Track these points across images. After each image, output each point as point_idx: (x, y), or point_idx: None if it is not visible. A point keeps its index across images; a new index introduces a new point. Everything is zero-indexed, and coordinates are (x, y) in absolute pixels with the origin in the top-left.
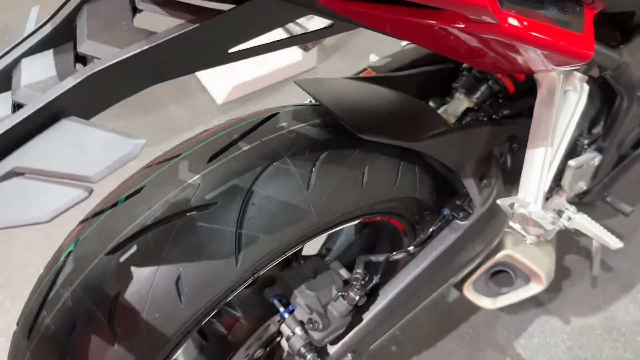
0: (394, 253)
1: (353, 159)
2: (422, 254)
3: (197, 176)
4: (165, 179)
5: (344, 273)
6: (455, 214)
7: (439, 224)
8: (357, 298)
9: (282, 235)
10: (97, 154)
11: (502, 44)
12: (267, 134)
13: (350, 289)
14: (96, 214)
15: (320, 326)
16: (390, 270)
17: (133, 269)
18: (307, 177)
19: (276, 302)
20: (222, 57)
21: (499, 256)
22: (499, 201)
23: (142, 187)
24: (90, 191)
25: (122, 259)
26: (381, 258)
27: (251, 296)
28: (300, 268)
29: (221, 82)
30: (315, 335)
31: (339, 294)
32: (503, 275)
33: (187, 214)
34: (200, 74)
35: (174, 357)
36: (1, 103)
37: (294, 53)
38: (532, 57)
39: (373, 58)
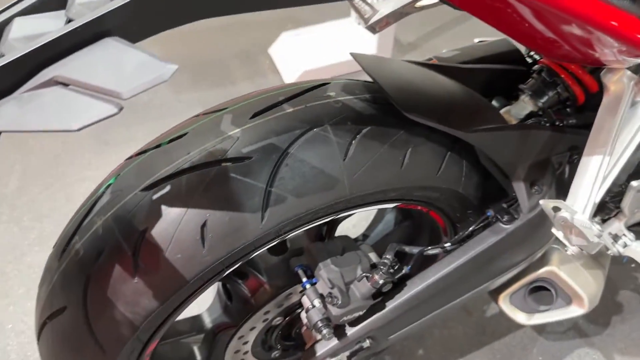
0: (429, 247)
1: (396, 139)
2: (458, 252)
3: (238, 130)
4: (207, 129)
5: (373, 257)
6: (499, 217)
7: (481, 224)
8: (381, 282)
9: (311, 200)
10: (131, 73)
11: (565, 21)
12: (312, 100)
13: (376, 272)
14: (139, 153)
15: (339, 302)
16: (423, 264)
17: (163, 207)
18: (346, 147)
19: (300, 271)
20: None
21: (542, 271)
22: (542, 201)
23: (185, 133)
24: (120, 108)
25: (154, 197)
26: (415, 250)
27: (278, 264)
28: (329, 243)
29: (293, 65)
30: (333, 311)
31: (364, 274)
32: (544, 293)
33: (222, 164)
34: (275, 56)
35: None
36: (57, 18)
37: (369, 46)
38: (598, 43)
39: None
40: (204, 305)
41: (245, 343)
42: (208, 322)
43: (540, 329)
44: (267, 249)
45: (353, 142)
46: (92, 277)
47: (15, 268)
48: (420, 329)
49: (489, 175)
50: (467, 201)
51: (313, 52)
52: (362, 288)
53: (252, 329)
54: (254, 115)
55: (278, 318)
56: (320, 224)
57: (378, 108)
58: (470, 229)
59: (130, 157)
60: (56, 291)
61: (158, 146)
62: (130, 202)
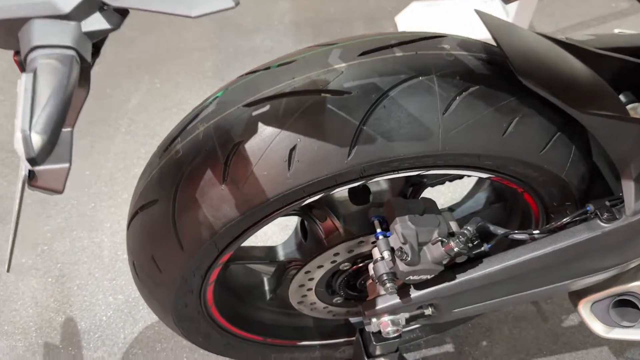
0: (516, 231)
1: (504, 105)
2: (545, 240)
3: (344, 64)
4: (316, 59)
5: (453, 226)
6: (599, 213)
7: (577, 217)
8: (455, 250)
9: (400, 147)
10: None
11: None
12: (425, 49)
13: (453, 239)
14: (250, 72)
15: (409, 259)
16: (505, 249)
17: (260, 125)
18: (449, 101)
19: (376, 222)
20: None
21: (633, 285)
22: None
23: (294, 60)
24: (237, 3)
25: (253, 113)
26: (500, 231)
27: (357, 213)
28: (412, 201)
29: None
30: (401, 267)
31: (439, 238)
32: (630, 310)
33: (322, 94)
34: (400, 24)
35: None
36: None
37: None
38: None
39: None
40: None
41: (311, 280)
42: (281, 254)
43: (618, 352)
44: (350, 197)
45: (457, 97)
46: (185, 176)
47: (123, 175)
48: (486, 311)
49: (597, 169)
50: (567, 190)
51: (441, 24)
52: (435, 252)
53: (320, 266)
54: (363, 54)
55: (346, 263)
56: (406, 183)
57: (492, 70)
58: (566, 219)
59: (241, 75)
60: (152, 185)
61: (267, 68)
62: (232, 114)
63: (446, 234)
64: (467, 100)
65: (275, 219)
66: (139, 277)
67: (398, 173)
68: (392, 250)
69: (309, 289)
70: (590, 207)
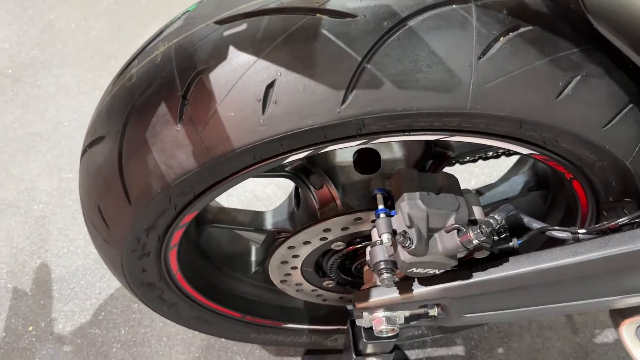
0: (557, 227)
1: (564, 57)
2: (591, 243)
3: None
4: None
5: (476, 211)
6: None
7: (637, 219)
8: (474, 242)
9: (415, 98)
10: None
11: None
12: None
13: (473, 229)
14: None
15: (412, 247)
16: (539, 247)
17: (231, 49)
18: (489, 41)
19: (379, 196)
20: None
21: None
22: None
23: None
24: None
25: (225, 33)
26: (536, 225)
27: (361, 183)
28: (427, 175)
29: None
30: (402, 255)
31: (456, 225)
32: None
33: (317, 14)
34: None
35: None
36: None
37: None
38: None
39: None
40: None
41: (296, 257)
42: (269, 222)
43: None
44: (355, 164)
45: (502, 38)
46: (135, 109)
47: None
48: (505, 321)
49: None
50: (631, 183)
51: None
52: (448, 242)
53: (306, 242)
54: None
55: (339, 243)
56: (426, 153)
57: (554, 8)
58: (622, 219)
59: None
60: (102, 117)
61: None
62: (199, 32)
63: (466, 221)
64: (514, 44)
65: (246, 178)
66: (89, 230)
67: (410, 135)
68: (394, 233)
69: (294, 267)
70: None
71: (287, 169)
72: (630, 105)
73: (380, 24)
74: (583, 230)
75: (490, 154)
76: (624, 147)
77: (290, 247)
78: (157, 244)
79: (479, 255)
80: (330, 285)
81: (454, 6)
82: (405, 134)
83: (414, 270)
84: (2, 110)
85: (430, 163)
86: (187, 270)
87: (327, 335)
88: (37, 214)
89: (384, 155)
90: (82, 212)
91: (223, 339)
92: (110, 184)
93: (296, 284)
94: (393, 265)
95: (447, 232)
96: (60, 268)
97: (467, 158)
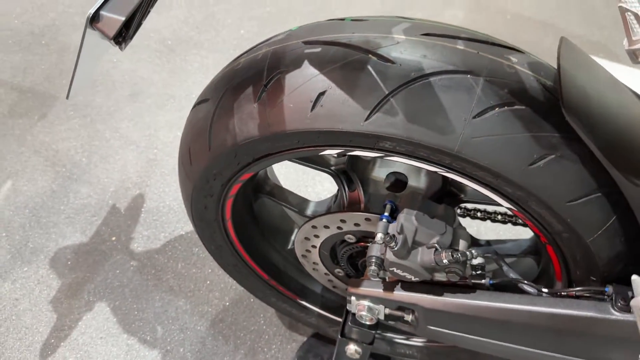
0: (526, 282)
1: (544, 137)
2: (545, 300)
3: (403, 37)
4: (384, 25)
5: (462, 244)
6: (615, 298)
7: (591, 293)
8: (444, 262)
9: (417, 131)
10: None
11: None
12: (489, 52)
13: (447, 252)
14: (331, 19)
15: (395, 249)
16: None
17: (305, 62)
18: (484, 107)
19: (388, 206)
20: None
21: None
22: (634, 277)
23: (367, 19)
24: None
25: (306, 51)
26: (512, 275)
27: (384, 197)
28: (429, 203)
29: None
30: (388, 254)
31: (435, 244)
32: None
33: (369, 54)
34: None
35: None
36: None
37: None
38: None
39: None
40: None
41: (316, 237)
42: (310, 210)
43: None
44: (386, 182)
45: (496, 108)
46: (232, 85)
47: None
48: (465, 346)
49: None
50: (593, 262)
51: None
52: (425, 256)
53: (326, 227)
54: (427, 34)
55: (351, 236)
56: (443, 190)
57: (548, 97)
58: (578, 289)
59: (327, 20)
60: (212, 85)
61: (342, 19)
62: (290, 46)
63: (446, 245)
64: (505, 115)
65: (291, 157)
66: (179, 167)
67: (413, 160)
68: (386, 235)
69: (313, 246)
70: (609, 289)
71: (332, 168)
72: (598, 194)
73: (409, 74)
74: (546, 290)
75: (499, 217)
76: (586, 226)
77: (313, 227)
78: (219, 189)
79: (451, 278)
80: (340, 274)
81: (467, 75)
82: (412, 159)
83: (395, 270)
84: (153, 70)
85: (445, 200)
86: (238, 222)
87: (332, 325)
88: (150, 156)
89: (411, 182)
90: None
91: (252, 299)
92: (201, 133)
93: (313, 262)
94: (381, 262)
95: (428, 248)
96: (152, 202)
97: (478, 213)
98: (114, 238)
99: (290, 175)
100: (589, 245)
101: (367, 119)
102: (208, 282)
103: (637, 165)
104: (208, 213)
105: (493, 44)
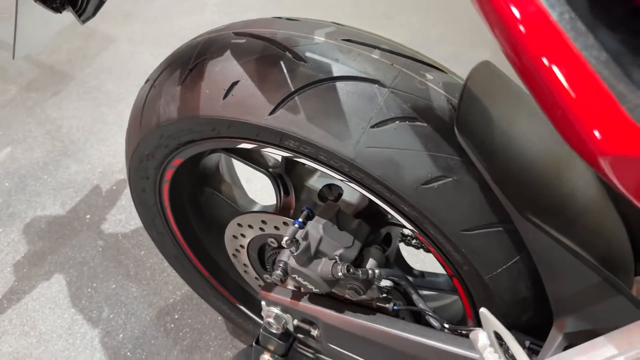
0: (432, 314)
1: (442, 157)
2: (433, 332)
3: (322, 39)
4: (312, 27)
5: (370, 262)
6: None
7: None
8: (339, 274)
9: (316, 133)
10: None
11: None
12: (404, 66)
13: (344, 266)
14: (274, 17)
15: (296, 253)
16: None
17: (228, 52)
18: (385, 118)
19: (305, 212)
20: None
21: None
22: (482, 310)
23: (299, 20)
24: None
25: (232, 41)
26: (421, 305)
27: (311, 199)
28: (345, 215)
29: None
30: (290, 260)
31: (335, 257)
32: None
33: (286, 51)
34: None
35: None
36: None
37: None
38: None
39: None
40: None
41: (243, 236)
42: (255, 207)
43: None
44: (320, 193)
45: (397, 121)
46: (166, 68)
47: None
48: None
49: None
50: (493, 303)
51: None
52: (324, 267)
53: (250, 226)
54: (347, 40)
55: (273, 240)
56: (370, 209)
57: (443, 112)
58: (474, 329)
59: (272, 17)
60: (157, 67)
61: (280, 17)
62: (222, 36)
63: (350, 259)
64: (404, 130)
65: (212, 147)
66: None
67: (320, 165)
68: (292, 239)
69: (242, 246)
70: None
71: (270, 170)
72: (498, 229)
73: (317, 74)
74: (447, 325)
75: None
76: (483, 261)
77: (239, 225)
78: (153, 172)
79: (350, 294)
80: (267, 279)
81: (374, 85)
82: (315, 162)
83: (297, 277)
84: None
85: (373, 220)
86: (179, 212)
87: None
88: None
89: (345, 196)
90: None
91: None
92: (137, 112)
93: (244, 264)
94: (285, 266)
95: (329, 259)
96: None
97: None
98: (88, 216)
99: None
100: (488, 283)
101: (271, 113)
102: (165, 274)
103: (531, 199)
104: (147, 196)
105: (413, 58)
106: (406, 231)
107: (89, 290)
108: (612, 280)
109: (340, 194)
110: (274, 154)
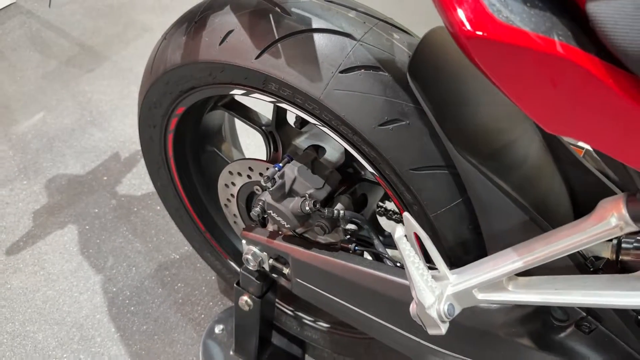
0: (388, 256)
1: (398, 103)
2: (388, 267)
3: None
4: None
5: (339, 206)
6: None
7: None
8: (306, 209)
9: (292, 75)
10: None
11: None
12: (374, 25)
13: (311, 202)
14: None
15: (270, 189)
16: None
17: (228, 7)
18: (351, 66)
19: (285, 159)
20: None
21: None
22: (405, 214)
23: None
24: None
25: None
26: (380, 249)
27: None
28: (319, 162)
29: None
30: (267, 196)
31: (305, 195)
32: None
33: (276, 7)
34: None
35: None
36: None
37: None
38: None
39: None
40: None
41: (233, 184)
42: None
43: None
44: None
45: (362, 70)
46: (177, 22)
47: None
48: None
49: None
50: (439, 243)
51: None
52: (295, 204)
53: (239, 173)
54: (329, 1)
55: (258, 187)
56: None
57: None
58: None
59: None
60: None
61: None
62: None
63: (319, 200)
64: (369, 77)
65: (214, 92)
66: None
67: (297, 109)
68: (269, 178)
69: (232, 195)
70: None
71: (263, 127)
72: (444, 171)
73: (299, 26)
74: (399, 264)
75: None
76: (428, 199)
77: (230, 172)
78: (160, 120)
79: (317, 231)
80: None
81: (346, 38)
82: (294, 106)
83: (272, 213)
84: None
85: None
86: (181, 165)
87: None
88: None
89: (327, 155)
90: None
91: (199, 261)
92: (149, 62)
93: (234, 215)
94: (263, 204)
95: (300, 197)
96: None
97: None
98: (105, 178)
99: None
100: (433, 221)
101: (257, 57)
102: (168, 234)
103: (472, 143)
104: (153, 145)
105: (385, 21)
106: (389, 206)
107: (98, 241)
108: (539, 220)
109: (323, 154)
110: (261, 100)
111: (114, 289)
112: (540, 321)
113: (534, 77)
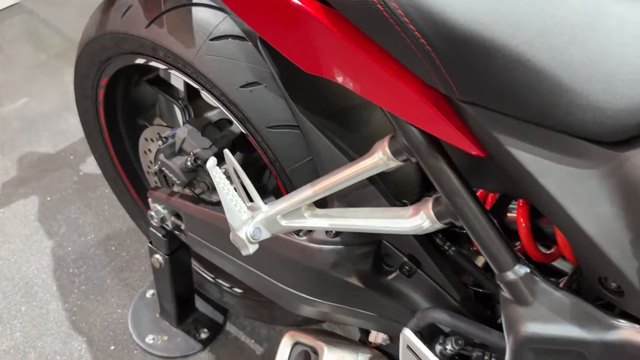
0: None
1: (257, 68)
2: None
3: None
4: None
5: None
6: None
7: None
8: (189, 165)
9: (172, 42)
10: None
11: None
12: None
13: (191, 159)
14: None
15: (161, 146)
16: None
17: None
18: (219, 35)
19: (185, 124)
20: None
21: None
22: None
23: None
24: None
25: None
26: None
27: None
28: (211, 127)
29: None
30: (161, 155)
31: (190, 153)
32: None
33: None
34: None
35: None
36: None
37: None
38: None
39: None
40: None
41: (150, 151)
42: None
43: None
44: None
45: (230, 38)
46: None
47: None
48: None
49: None
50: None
51: None
52: (182, 161)
53: (152, 140)
54: None
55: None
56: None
57: None
58: None
59: None
60: None
61: None
62: None
63: (203, 159)
64: (233, 44)
65: (124, 63)
66: None
67: (181, 73)
68: (162, 137)
69: (150, 162)
70: None
71: (179, 101)
72: (296, 130)
73: (182, 0)
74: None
75: None
76: (284, 155)
77: (145, 139)
78: (90, 91)
79: (202, 188)
80: None
81: (218, 11)
82: (176, 69)
83: (164, 170)
84: None
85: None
86: (115, 135)
87: None
88: None
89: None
90: None
91: None
92: (82, 35)
93: (155, 182)
94: (162, 164)
95: (187, 156)
96: None
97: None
98: (72, 157)
99: None
100: (289, 175)
101: (147, 27)
102: (121, 210)
103: (312, 103)
104: (88, 117)
105: None
106: None
107: (55, 211)
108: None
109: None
110: (158, 67)
111: (62, 253)
112: (373, 266)
113: (277, 22)
